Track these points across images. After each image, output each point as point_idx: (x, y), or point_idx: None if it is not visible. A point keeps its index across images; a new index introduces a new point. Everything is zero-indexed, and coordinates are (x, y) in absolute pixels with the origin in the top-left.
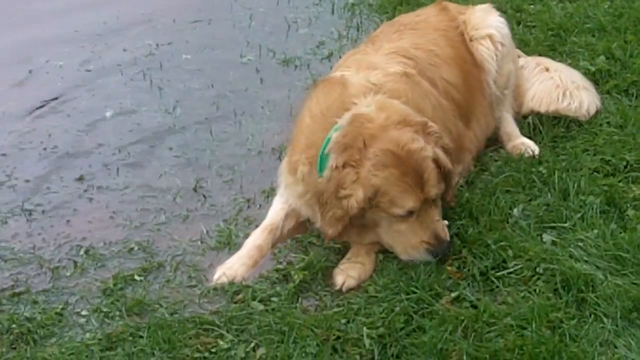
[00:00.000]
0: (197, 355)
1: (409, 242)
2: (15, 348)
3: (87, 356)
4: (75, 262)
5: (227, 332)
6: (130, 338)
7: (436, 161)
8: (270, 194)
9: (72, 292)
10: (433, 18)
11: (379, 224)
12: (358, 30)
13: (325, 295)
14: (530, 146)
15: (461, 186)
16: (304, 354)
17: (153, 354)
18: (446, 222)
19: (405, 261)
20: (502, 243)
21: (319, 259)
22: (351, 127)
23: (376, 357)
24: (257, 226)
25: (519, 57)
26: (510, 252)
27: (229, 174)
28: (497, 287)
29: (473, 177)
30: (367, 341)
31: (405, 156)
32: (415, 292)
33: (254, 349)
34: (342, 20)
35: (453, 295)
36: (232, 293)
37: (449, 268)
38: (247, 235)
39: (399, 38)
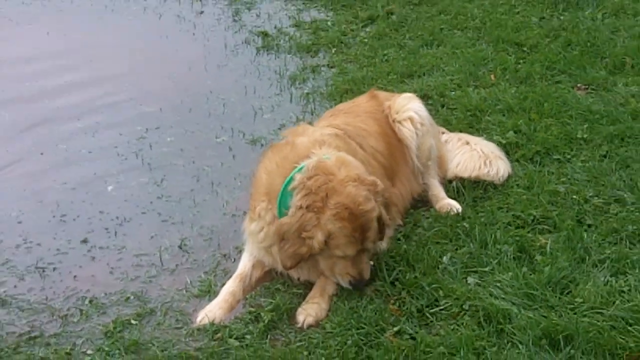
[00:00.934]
0: None
1: (339, 272)
2: None
3: None
4: (81, 310)
5: None
6: None
7: (379, 218)
8: (242, 249)
9: (78, 335)
10: (364, 104)
11: (321, 255)
12: (312, 114)
13: (290, 332)
14: (454, 205)
15: (398, 239)
16: None
17: None
18: (371, 262)
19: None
20: (434, 285)
21: (284, 302)
22: (315, 173)
23: None
24: (231, 277)
25: (442, 133)
26: (441, 292)
27: (208, 233)
28: (431, 321)
29: (409, 232)
30: None
31: (358, 214)
32: (363, 328)
33: None
34: (299, 106)
35: (395, 329)
36: (212, 332)
37: (391, 307)
38: (223, 284)
39: (334, 119)
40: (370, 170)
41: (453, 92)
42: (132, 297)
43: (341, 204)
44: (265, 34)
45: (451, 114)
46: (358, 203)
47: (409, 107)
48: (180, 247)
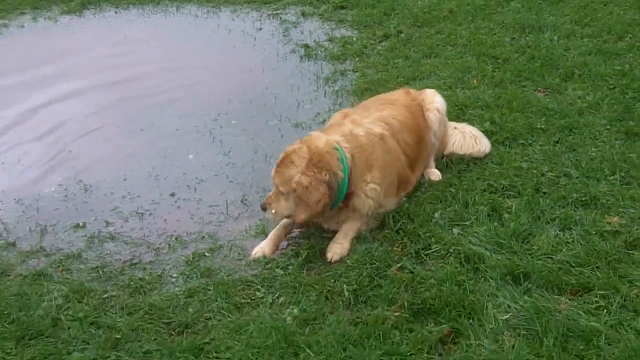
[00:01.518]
0: (242, 301)
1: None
2: (132, 297)
3: (175, 302)
4: (169, 245)
5: (261, 287)
6: (203, 290)
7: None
8: None
9: (167, 262)
10: (402, 98)
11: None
12: (340, 105)
13: (321, 265)
14: (437, 174)
15: (404, 198)
16: (307, 300)
17: (217, 300)
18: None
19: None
20: (428, 233)
21: (317, 243)
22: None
23: (352, 302)
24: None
25: None
26: (433, 239)
27: (262, 192)
28: (425, 260)
29: (410, 194)
30: (346, 293)
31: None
32: (375, 263)
33: (277, 297)
34: (330, 100)
35: (398, 265)
36: (264, 263)
37: (395, 249)
38: (272, 229)
39: (383, 108)
40: (397, 165)
41: (445, 92)
42: (206, 236)
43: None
44: (306, 46)
45: None
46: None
47: (435, 99)
48: (242, 201)
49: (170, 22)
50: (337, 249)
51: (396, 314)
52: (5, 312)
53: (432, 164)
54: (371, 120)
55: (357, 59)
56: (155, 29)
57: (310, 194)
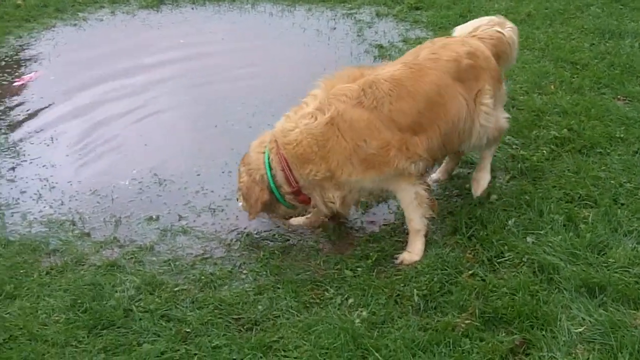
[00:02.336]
0: (311, 301)
1: None
2: (203, 291)
3: (245, 298)
4: (240, 241)
5: (330, 287)
6: (272, 288)
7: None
8: None
9: (238, 259)
10: (454, 50)
11: None
12: None
13: (390, 269)
14: (481, 185)
15: (475, 205)
16: (376, 303)
17: (285, 298)
18: None
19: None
20: (501, 241)
21: (388, 246)
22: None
23: (421, 308)
24: None
25: None
26: (506, 247)
27: None
28: (498, 268)
29: (483, 200)
30: (416, 298)
31: None
32: (446, 270)
33: (346, 299)
34: None
35: (470, 272)
36: (333, 264)
37: (467, 255)
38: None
39: (403, 67)
40: (372, 129)
41: (522, 97)
42: (277, 235)
43: None
44: (380, 46)
45: (519, 113)
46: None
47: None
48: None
49: (246, 20)
50: (409, 255)
51: (467, 321)
52: (79, 301)
53: (487, 156)
54: (340, 94)
55: None
56: (230, 25)
57: (249, 195)
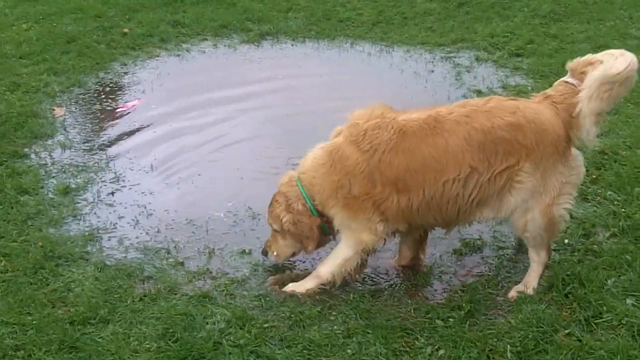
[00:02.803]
0: (401, 348)
1: None
2: (292, 330)
3: (334, 341)
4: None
5: (420, 336)
6: (361, 332)
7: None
8: None
9: (327, 299)
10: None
11: None
12: None
13: (484, 321)
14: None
15: (574, 262)
16: (468, 356)
17: (375, 344)
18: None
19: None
20: (599, 301)
21: (482, 297)
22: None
23: None
24: None
25: None
26: (604, 308)
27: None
28: (595, 329)
29: (581, 257)
30: (509, 354)
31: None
32: (542, 327)
33: (437, 349)
34: None
35: (566, 331)
36: (424, 312)
37: (563, 314)
38: None
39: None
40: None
41: (624, 152)
42: (367, 278)
43: None
44: (479, 92)
45: (622, 168)
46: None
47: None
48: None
49: (344, 58)
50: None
51: None
52: (170, 331)
53: (533, 258)
54: (346, 127)
55: None
56: (329, 63)
57: (301, 227)
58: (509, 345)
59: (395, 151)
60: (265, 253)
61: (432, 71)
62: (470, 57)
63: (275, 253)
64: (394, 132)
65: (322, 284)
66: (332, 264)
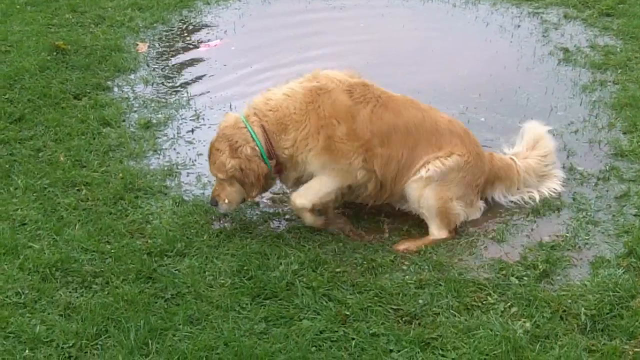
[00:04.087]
0: (473, 303)
1: None
2: (364, 276)
3: (406, 290)
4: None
5: (493, 292)
6: (434, 284)
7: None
8: None
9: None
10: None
11: None
12: (596, 118)
13: (558, 282)
14: None
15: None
16: (541, 316)
17: (447, 297)
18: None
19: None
20: None
21: (558, 257)
22: None
23: (588, 328)
24: None
25: None
26: None
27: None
28: None
29: None
30: (583, 316)
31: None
32: (618, 292)
33: (509, 307)
34: (586, 110)
35: None
36: (498, 268)
37: None
38: None
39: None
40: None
41: None
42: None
43: None
44: (566, 50)
45: None
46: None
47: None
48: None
49: (428, 9)
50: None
51: (636, 349)
52: (245, 268)
53: None
54: (333, 77)
55: (619, 71)
56: (412, 13)
57: (248, 173)
58: (583, 308)
59: (385, 107)
60: (215, 203)
61: (519, 26)
62: (559, 14)
63: (226, 201)
64: (383, 93)
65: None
66: (314, 188)
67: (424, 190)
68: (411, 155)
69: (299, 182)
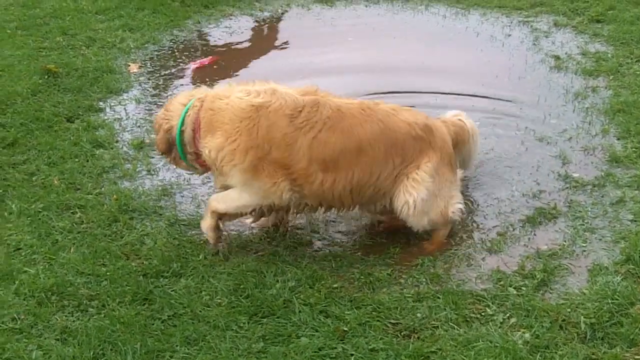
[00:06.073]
0: (472, 315)
1: None
2: (361, 291)
3: (403, 304)
4: (399, 244)
5: (492, 304)
6: (432, 297)
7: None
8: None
9: (397, 262)
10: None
11: None
12: (589, 124)
13: (557, 291)
14: None
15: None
16: (540, 326)
17: (445, 309)
18: None
19: None
20: None
21: (555, 267)
22: None
23: (588, 337)
24: None
25: None
26: None
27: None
28: None
29: None
30: (582, 325)
31: None
32: (617, 299)
33: (508, 318)
34: (579, 117)
35: None
36: (496, 279)
37: None
38: None
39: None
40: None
41: None
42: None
43: None
44: (557, 57)
45: None
46: None
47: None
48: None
49: (418, 20)
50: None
51: (636, 356)
52: (242, 286)
53: None
54: (284, 93)
55: (611, 77)
56: (402, 25)
57: (156, 134)
58: (582, 317)
59: (333, 130)
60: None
61: (509, 35)
62: (549, 22)
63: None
64: (333, 111)
65: (214, 220)
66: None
67: (423, 220)
68: (367, 171)
69: (226, 187)
